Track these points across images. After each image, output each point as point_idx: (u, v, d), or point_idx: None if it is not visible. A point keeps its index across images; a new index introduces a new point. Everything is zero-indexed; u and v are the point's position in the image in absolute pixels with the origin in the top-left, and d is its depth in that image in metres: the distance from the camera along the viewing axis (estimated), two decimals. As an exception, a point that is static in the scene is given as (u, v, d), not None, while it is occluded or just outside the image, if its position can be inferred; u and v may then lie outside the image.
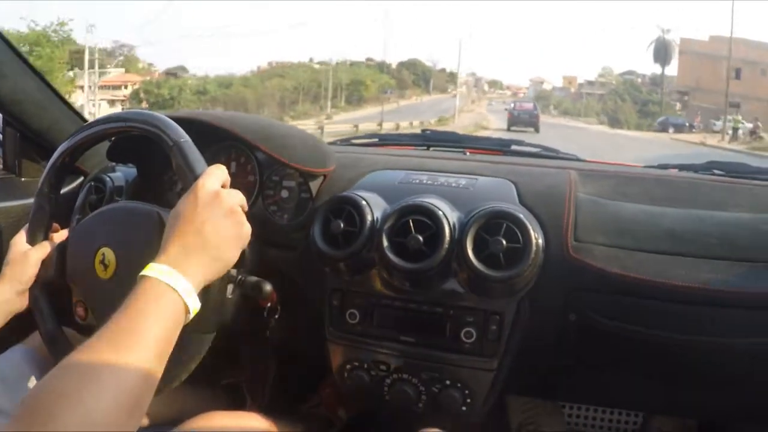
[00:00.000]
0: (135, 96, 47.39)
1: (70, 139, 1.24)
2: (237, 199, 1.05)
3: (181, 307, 0.91)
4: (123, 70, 55.13)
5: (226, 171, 1.06)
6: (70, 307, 1.28)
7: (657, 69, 76.75)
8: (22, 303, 1.26)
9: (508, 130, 32.95)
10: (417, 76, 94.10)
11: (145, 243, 1.09)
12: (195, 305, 0.94)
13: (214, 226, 0.98)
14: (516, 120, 35.28)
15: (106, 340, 0.83)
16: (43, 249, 1.27)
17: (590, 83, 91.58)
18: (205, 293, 0.98)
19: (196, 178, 1.03)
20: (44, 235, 1.29)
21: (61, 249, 1.27)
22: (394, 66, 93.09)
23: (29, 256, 1.25)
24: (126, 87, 52.76)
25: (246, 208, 1.06)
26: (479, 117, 48.69)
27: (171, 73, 58.99)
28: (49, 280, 1.26)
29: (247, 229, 1.04)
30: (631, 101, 71.80)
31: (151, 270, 0.91)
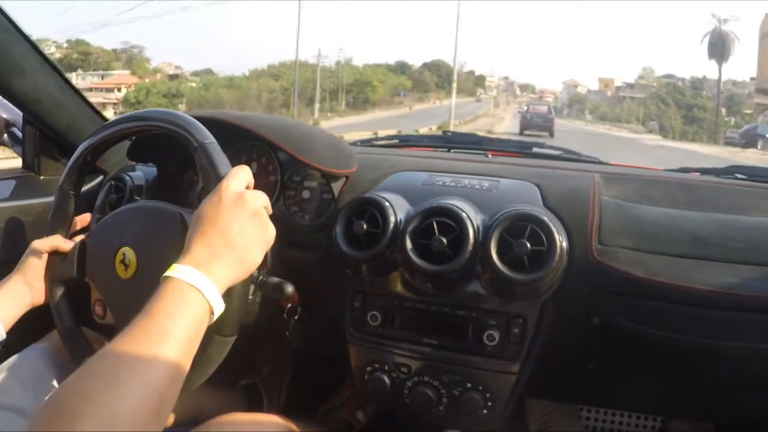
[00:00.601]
0: (126, 100, 45.79)
1: (91, 137, 1.24)
2: (261, 200, 1.04)
3: (205, 308, 0.91)
4: (128, 71, 53.90)
5: (250, 172, 1.06)
6: (89, 306, 1.29)
7: (697, 72, 71.59)
8: (35, 296, 1.27)
9: (521, 134, 30.87)
10: (441, 78, 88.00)
11: (167, 244, 1.09)
12: (219, 307, 0.93)
13: (238, 227, 0.98)
14: (529, 124, 33.24)
15: (131, 342, 0.82)
16: (55, 241, 1.27)
17: (629, 86, 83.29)
18: (227, 295, 0.98)
19: (220, 179, 1.03)
20: (65, 231, 1.29)
21: (81, 246, 1.27)
22: (416, 66, 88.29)
23: (36, 247, 1.27)
24: (119, 89, 51.17)
25: (270, 210, 1.06)
26: (491, 122, 46.28)
27: (174, 76, 57.81)
28: (68, 277, 1.27)
29: (271, 231, 1.04)
30: (674, 106, 64.17)
31: (175, 271, 0.91)
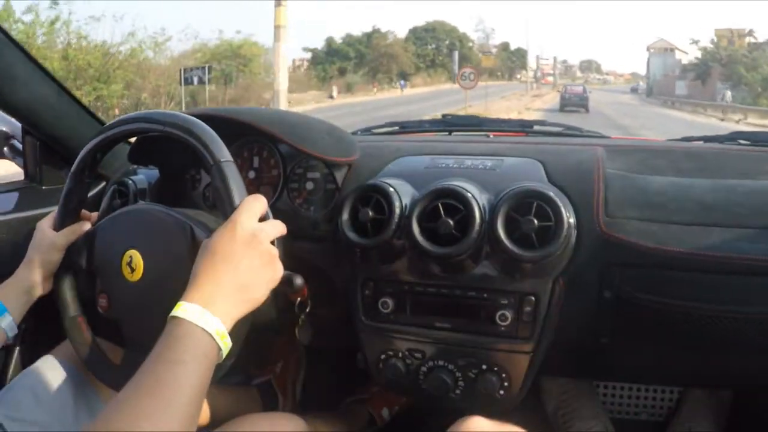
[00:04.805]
0: None
1: (117, 124, 1.21)
2: (275, 232, 1.05)
3: (215, 350, 0.91)
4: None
5: (264, 202, 1.05)
6: (93, 296, 1.29)
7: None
8: (46, 288, 1.27)
9: (561, 110, 35.68)
10: (437, 51, 63.77)
11: (175, 255, 1.10)
12: (228, 346, 0.94)
13: (249, 267, 0.98)
14: (567, 102, 38.24)
15: (147, 393, 0.83)
16: (72, 234, 1.27)
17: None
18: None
19: (233, 207, 1.03)
20: (75, 219, 1.29)
21: (90, 237, 1.26)
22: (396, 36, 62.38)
23: (57, 242, 1.26)
24: None
25: (285, 232, 1.07)
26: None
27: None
28: (76, 266, 1.27)
29: (279, 271, 1.04)
30: None
31: (184, 311, 0.91)
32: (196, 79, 23.29)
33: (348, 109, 28.61)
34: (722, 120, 25.79)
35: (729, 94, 40.01)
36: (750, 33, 51.23)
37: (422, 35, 68.73)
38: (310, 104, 34.94)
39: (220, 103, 25.67)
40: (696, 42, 54.34)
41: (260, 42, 34.68)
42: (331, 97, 43.63)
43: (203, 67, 23.69)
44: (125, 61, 20.41)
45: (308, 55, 65.61)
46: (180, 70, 22.94)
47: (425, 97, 43.45)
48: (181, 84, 22.59)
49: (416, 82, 59.72)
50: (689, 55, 63.01)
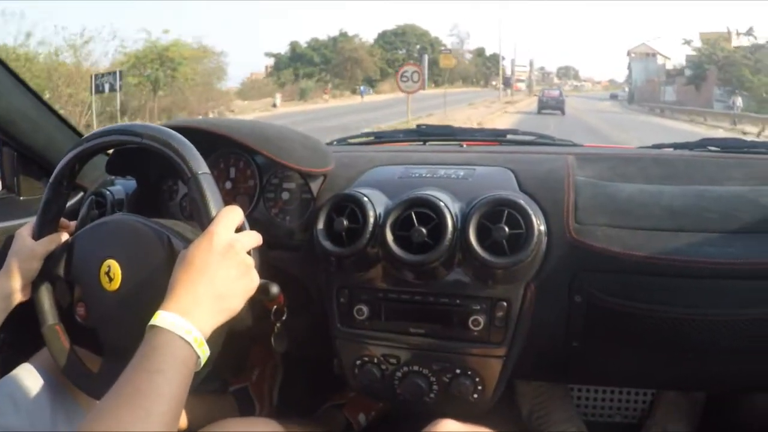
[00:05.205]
0: None
1: (95, 136, 1.22)
2: (251, 243, 1.06)
3: (193, 358, 0.92)
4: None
5: (241, 213, 1.07)
6: (71, 305, 1.29)
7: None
8: (25, 296, 1.27)
9: (539, 113, 38.03)
10: (407, 57, 59.10)
11: (153, 265, 1.11)
12: (206, 354, 0.95)
13: (225, 277, 0.99)
14: (545, 105, 40.09)
15: (124, 402, 0.83)
16: (50, 243, 1.27)
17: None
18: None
19: (210, 219, 1.04)
20: (53, 228, 1.29)
21: (68, 246, 1.27)
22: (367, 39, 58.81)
23: (36, 251, 1.26)
24: None
25: (260, 242, 1.08)
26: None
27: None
28: (54, 275, 1.27)
29: (255, 281, 1.05)
30: None
31: (163, 321, 0.91)
32: (107, 87, 20.35)
33: (289, 119, 24.63)
34: (744, 133, 21.66)
35: (740, 100, 34.23)
36: (749, 32, 44.41)
37: (392, 39, 66.62)
38: (253, 113, 31.68)
39: (148, 114, 23.19)
40: (689, 42, 48.94)
41: (210, 45, 31.05)
42: (274, 105, 38.92)
43: (114, 73, 21.01)
44: (23, 66, 17.70)
45: (272, 61, 63.52)
46: (90, 77, 20.34)
47: (386, 104, 39.66)
48: (91, 92, 19.96)
49: (383, 88, 56.02)
50: (672, 60, 61.86)
